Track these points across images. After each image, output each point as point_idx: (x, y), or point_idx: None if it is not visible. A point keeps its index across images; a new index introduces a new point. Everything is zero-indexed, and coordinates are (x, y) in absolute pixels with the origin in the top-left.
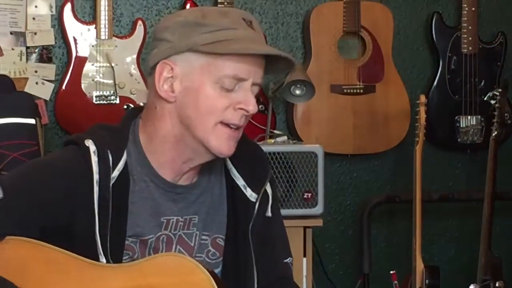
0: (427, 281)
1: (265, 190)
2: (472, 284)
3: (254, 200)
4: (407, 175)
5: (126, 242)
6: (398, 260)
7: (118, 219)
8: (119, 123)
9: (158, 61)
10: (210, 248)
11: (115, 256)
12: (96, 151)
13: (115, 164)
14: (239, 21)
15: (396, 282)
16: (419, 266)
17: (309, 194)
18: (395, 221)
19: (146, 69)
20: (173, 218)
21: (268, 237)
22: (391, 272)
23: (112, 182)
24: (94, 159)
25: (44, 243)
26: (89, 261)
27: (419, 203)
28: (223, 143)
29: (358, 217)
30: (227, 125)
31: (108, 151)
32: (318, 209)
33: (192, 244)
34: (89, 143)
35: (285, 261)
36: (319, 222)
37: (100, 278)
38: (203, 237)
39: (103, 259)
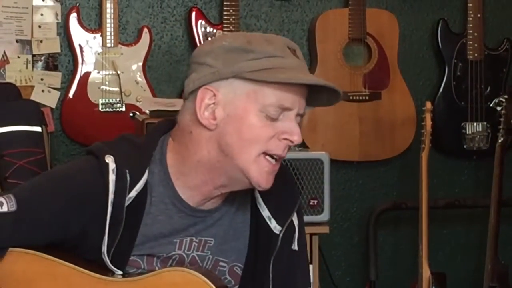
0: None
1: (291, 221)
2: None
3: (277, 232)
4: (413, 182)
5: (132, 257)
6: (404, 267)
7: (127, 239)
8: (145, 138)
9: (199, 86)
10: (227, 276)
11: (119, 270)
12: (115, 169)
13: (133, 184)
14: (284, 49)
15: None
16: (426, 273)
17: (315, 201)
18: (401, 228)
19: (185, 91)
20: (186, 239)
21: (291, 271)
22: None
23: (128, 202)
24: (111, 177)
25: (47, 256)
26: (95, 275)
27: (425, 210)
28: (263, 176)
29: (365, 224)
30: (270, 156)
31: (127, 171)
32: (324, 216)
33: (203, 267)
34: (109, 160)
35: None
36: (325, 229)
37: None
38: (221, 263)
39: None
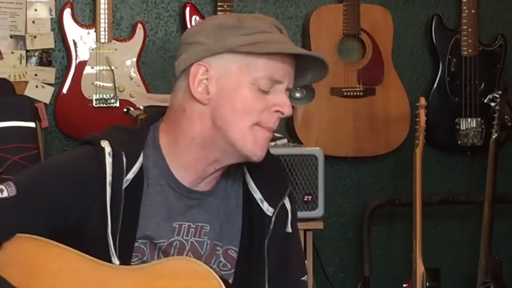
0: (427, 284)
1: (283, 205)
2: None
3: (270, 214)
4: (407, 178)
5: (136, 244)
6: (398, 263)
7: (129, 221)
8: (138, 126)
9: (191, 63)
10: (222, 259)
11: (124, 257)
12: (111, 152)
13: (129, 167)
14: (272, 26)
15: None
16: (420, 269)
17: (310, 197)
18: (396, 223)
19: (176, 72)
20: (185, 224)
21: (286, 254)
22: (404, 285)
23: (125, 185)
24: (108, 160)
25: (54, 242)
26: (100, 262)
27: (419, 205)
28: (258, 145)
29: (359, 220)
30: (263, 127)
31: (123, 153)
32: (319, 212)
33: (202, 253)
34: (105, 144)
35: (302, 278)
36: (319, 225)
37: (111, 279)
38: (217, 247)
39: (115, 260)
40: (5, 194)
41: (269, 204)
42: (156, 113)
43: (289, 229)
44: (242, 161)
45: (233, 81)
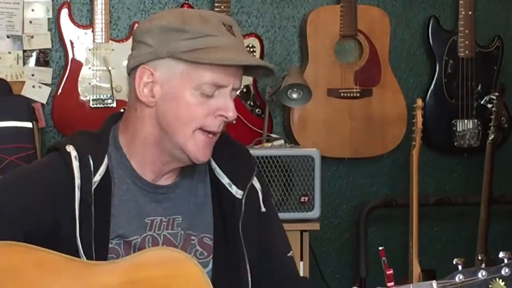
0: None
1: (253, 185)
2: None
3: (240, 197)
4: (404, 179)
5: (110, 245)
6: (395, 264)
7: (101, 223)
8: (100, 128)
9: (138, 64)
10: (198, 247)
11: (100, 259)
12: (77, 156)
13: (96, 169)
14: (219, 27)
15: (384, 258)
16: (416, 270)
17: (306, 198)
18: (392, 225)
19: (127, 69)
20: (156, 219)
21: (267, 233)
22: (380, 248)
23: (94, 186)
24: (75, 164)
25: (33, 246)
26: (80, 260)
27: (416, 207)
28: (200, 150)
29: (355, 221)
30: (206, 131)
31: (89, 156)
32: (315, 213)
33: (177, 244)
34: (70, 149)
35: (288, 254)
36: (316, 226)
37: (93, 275)
38: (192, 237)
39: None
40: None
41: (238, 187)
42: (116, 114)
43: (263, 209)
44: (189, 164)
45: (176, 86)
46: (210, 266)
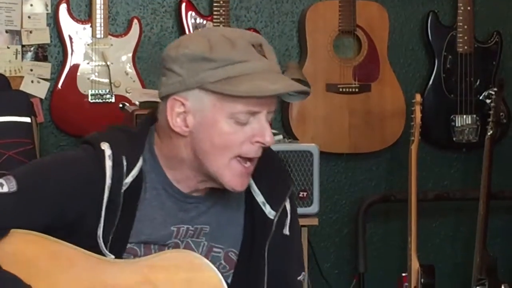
0: (422, 280)
1: (284, 206)
2: None
3: (272, 217)
4: (402, 174)
5: (129, 245)
6: (393, 259)
7: (124, 224)
8: (137, 127)
9: (168, 94)
10: (222, 261)
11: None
12: (111, 155)
13: (129, 171)
14: (248, 50)
15: (407, 284)
16: (415, 265)
17: (305, 193)
18: (391, 220)
19: (158, 95)
20: (183, 227)
21: (284, 255)
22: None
23: (124, 188)
24: (108, 163)
25: (50, 237)
26: (96, 256)
27: (414, 202)
28: (236, 180)
29: (354, 216)
30: (242, 159)
31: (124, 157)
32: (314, 208)
33: (198, 252)
34: (105, 147)
35: (298, 278)
36: (314, 221)
37: (108, 272)
38: (216, 249)
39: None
40: (5, 189)
41: (271, 207)
42: (152, 114)
43: (286, 232)
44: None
45: (209, 116)
46: (229, 280)
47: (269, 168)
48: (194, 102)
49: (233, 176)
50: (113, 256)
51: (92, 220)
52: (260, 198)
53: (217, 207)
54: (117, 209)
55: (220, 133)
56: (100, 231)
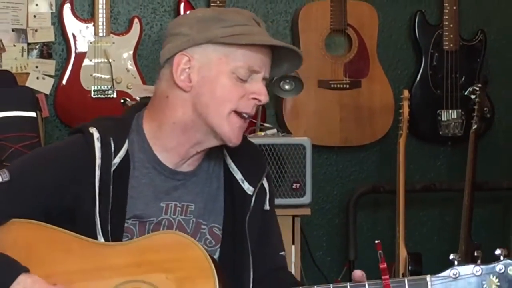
0: (410, 267)
1: (262, 184)
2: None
3: (251, 193)
4: (391, 167)
5: (126, 224)
6: (382, 248)
7: (118, 202)
8: (123, 115)
9: (175, 53)
10: (208, 236)
11: (115, 237)
12: (99, 137)
13: (116, 151)
14: (251, 20)
15: (381, 252)
16: (403, 253)
17: (298, 185)
18: (380, 210)
19: (160, 61)
20: (171, 203)
21: (265, 230)
22: (376, 242)
23: (113, 168)
24: (97, 145)
25: (47, 225)
26: (91, 240)
27: (402, 193)
28: (234, 132)
29: (344, 207)
30: (240, 114)
31: (111, 139)
32: (306, 198)
33: (188, 230)
34: (93, 130)
35: (280, 253)
36: (307, 211)
37: (102, 255)
38: (203, 226)
39: (101, 239)
40: None
41: (250, 184)
42: (140, 103)
43: (267, 207)
44: (221, 143)
45: (213, 70)
46: (217, 254)
47: (247, 151)
48: (200, 57)
49: (232, 128)
50: (103, 240)
51: (88, 202)
52: (238, 175)
53: (201, 184)
54: (108, 188)
55: (222, 86)
56: (96, 210)
